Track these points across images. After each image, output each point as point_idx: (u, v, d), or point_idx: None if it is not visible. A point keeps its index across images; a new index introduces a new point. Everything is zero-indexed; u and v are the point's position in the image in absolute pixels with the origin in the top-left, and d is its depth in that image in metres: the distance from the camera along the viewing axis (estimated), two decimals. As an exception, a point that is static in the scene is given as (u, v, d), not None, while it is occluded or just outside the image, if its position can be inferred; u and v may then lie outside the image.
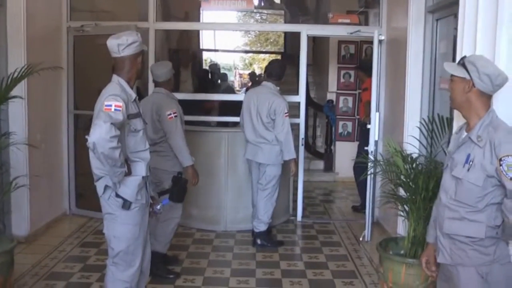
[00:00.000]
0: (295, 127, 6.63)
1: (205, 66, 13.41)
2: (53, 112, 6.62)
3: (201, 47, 13.53)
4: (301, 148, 6.94)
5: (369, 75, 6.52)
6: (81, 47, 6.84)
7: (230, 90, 12.03)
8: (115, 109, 3.20)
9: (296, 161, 6.04)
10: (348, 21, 7.02)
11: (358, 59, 9.71)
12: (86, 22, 6.79)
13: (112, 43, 3.43)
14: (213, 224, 6.52)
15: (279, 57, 15.95)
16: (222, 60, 15.97)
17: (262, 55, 23.41)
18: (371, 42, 6.74)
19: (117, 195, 3.41)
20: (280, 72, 6.01)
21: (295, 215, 7.10)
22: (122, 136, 3.34)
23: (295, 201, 7.16)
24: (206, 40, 14.27)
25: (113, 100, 3.23)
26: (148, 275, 3.82)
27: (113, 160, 3.17)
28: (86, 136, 3.12)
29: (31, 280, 4.86)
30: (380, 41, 6.36)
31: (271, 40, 23.87)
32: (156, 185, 4.96)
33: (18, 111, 5.61)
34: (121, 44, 3.41)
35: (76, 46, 6.87)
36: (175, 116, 4.90)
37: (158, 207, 3.81)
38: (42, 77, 5.10)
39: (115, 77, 3.45)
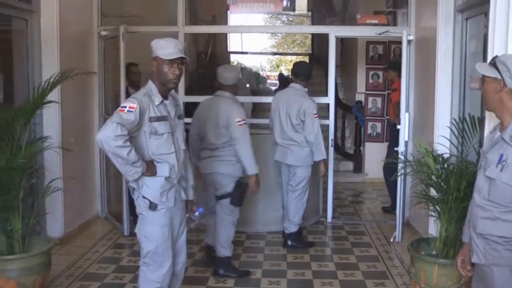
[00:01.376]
0: (324, 129, 6.61)
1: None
2: (85, 116, 6.72)
3: (228, 50, 13.61)
4: (331, 149, 6.92)
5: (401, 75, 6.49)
6: (111, 51, 6.93)
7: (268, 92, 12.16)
8: (128, 110, 3.29)
9: (325, 162, 6.05)
10: (376, 21, 6.98)
11: (387, 60, 9.65)
12: (116, 27, 6.86)
13: None
14: (244, 225, 6.50)
15: (306, 58, 15.95)
16: (249, 62, 15.98)
17: (289, 57, 23.45)
18: (400, 42, 6.72)
19: (144, 196, 3.47)
20: (307, 72, 6.00)
21: (325, 216, 7.10)
22: (143, 138, 3.41)
23: (325, 202, 7.16)
24: (233, 42, 14.33)
25: (129, 102, 3.34)
26: (181, 278, 3.85)
27: (122, 159, 3.25)
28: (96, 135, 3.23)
29: (67, 281, 4.96)
30: (409, 41, 6.33)
31: (298, 42, 23.87)
32: (215, 188, 5.00)
33: (52, 116, 5.71)
34: None
35: (106, 50, 6.98)
36: (244, 123, 4.83)
37: (196, 214, 3.81)
38: (75, 82, 5.18)
39: (149, 81, 3.53)
